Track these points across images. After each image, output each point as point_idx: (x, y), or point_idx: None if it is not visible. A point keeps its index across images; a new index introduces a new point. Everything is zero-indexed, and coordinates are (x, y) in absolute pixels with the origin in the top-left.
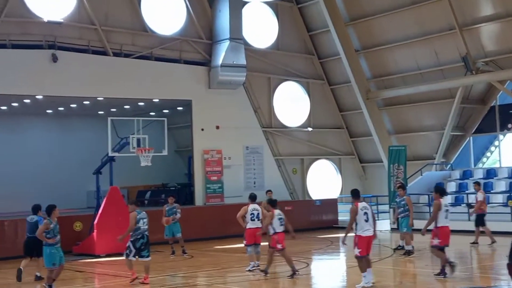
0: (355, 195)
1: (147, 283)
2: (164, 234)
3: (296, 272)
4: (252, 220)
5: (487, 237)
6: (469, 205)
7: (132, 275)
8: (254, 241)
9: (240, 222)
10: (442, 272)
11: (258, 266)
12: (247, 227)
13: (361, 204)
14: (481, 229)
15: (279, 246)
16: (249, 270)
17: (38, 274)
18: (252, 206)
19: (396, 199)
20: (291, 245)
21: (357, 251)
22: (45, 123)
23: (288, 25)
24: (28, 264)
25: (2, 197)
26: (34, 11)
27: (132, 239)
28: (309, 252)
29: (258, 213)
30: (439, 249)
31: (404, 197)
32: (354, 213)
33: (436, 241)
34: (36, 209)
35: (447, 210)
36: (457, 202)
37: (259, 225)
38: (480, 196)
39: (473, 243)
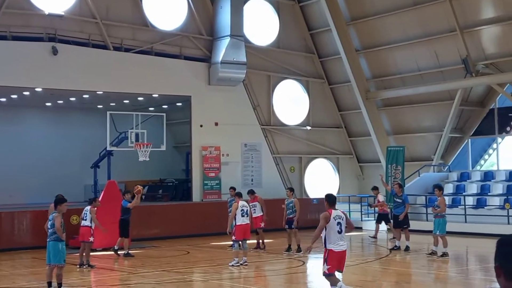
0: (331, 201)
1: None
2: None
3: None
4: (242, 216)
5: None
6: (370, 205)
7: None
8: (243, 237)
9: (230, 222)
10: None
11: (245, 262)
12: (237, 223)
13: (334, 212)
14: (388, 226)
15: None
16: (232, 265)
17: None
18: (241, 203)
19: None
20: (287, 244)
21: (325, 268)
22: (44, 116)
23: (289, 23)
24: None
25: None
26: (35, 3)
27: None
28: (305, 251)
29: (247, 209)
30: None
31: (439, 198)
32: (324, 220)
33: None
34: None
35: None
36: (454, 204)
37: (248, 221)
38: (381, 197)
39: (373, 237)
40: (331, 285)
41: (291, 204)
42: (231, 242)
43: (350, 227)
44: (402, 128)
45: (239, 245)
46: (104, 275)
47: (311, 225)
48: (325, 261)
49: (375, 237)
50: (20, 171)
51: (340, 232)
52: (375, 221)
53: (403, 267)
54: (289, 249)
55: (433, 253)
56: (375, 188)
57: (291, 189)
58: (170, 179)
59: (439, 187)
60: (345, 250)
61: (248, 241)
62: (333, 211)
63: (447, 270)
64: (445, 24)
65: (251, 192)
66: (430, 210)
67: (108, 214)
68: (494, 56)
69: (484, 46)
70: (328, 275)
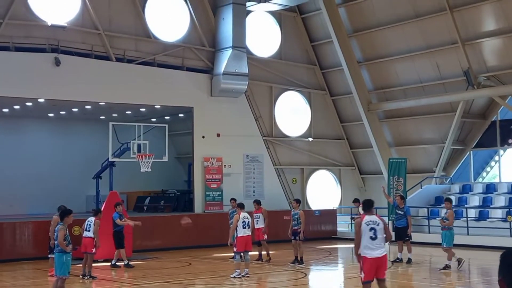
0: (364, 206)
1: None
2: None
3: None
4: (243, 228)
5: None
6: (352, 218)
7: None
8: (245, 248)
9: (231, 233)
10: None
11: (247, 274)
12: (239, 234)
13: (367, 218)
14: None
15: None
16: (234, 277)
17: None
18: (243, 214)
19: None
20: (290, 255)
21: (361, 275)
22: (47, 127)
23: (291, 35)
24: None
25: (0, 200)
26: (38, 14)
27: None
28: (307, 263)
29: (248, 221)
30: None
31: (448, 211)
32: (357, 226)
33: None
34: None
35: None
36: (456, 216)
37: (249, 232)
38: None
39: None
40: None
41: (296, 216)
42: (233, 254)
43: (387, 236)
44: (404, 140)
45: (241, 256)
46: (105, 287)
47: (313, 236)
48: (361, 268)
49: None
50: (21, 182)
51: (374, 238)
52: None
53: (405, 279)
54: (295, 260)
55: (459, 261)
56: (356, 201)
57: (298, 201)
58: (172, 190)
59: (449, 200)
60: (381, 256)
61: (249, 253)
62: (366, 216)
63: (450, 283)
64: (446, 36)
65: (257, 202)
66: (432, 222)
67: (110, 225)
68: (496, 69)
69: (485, 58)
70: (364, 283)
